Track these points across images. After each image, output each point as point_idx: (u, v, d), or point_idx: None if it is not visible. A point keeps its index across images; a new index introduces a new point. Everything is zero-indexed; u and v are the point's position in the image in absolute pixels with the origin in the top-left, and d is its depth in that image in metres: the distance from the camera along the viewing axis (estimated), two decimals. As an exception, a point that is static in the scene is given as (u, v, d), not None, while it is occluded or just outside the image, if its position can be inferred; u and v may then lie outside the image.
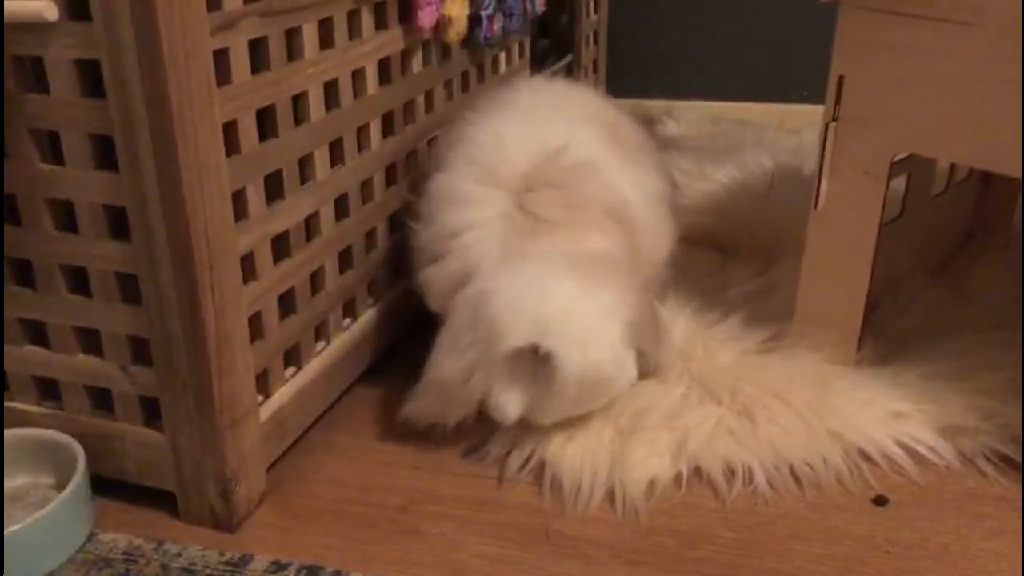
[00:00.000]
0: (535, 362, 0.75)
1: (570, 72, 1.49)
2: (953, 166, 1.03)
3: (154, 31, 0.59)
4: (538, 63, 1.47)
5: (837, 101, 0.81)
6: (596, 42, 1.57)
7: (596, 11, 1.54)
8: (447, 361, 0.78)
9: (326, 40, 0.78)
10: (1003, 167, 0.76)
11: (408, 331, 0.98)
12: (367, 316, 0.91)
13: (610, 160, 0.86)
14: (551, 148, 0.83)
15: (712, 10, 1.67)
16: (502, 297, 0.75)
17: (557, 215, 0.80)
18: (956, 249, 1.10)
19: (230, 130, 0.68)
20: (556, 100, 0.93)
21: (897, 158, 0.85)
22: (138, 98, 0.61)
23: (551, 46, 1.54)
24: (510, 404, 0.77)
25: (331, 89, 0.80)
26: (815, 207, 0.85)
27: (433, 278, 0.83)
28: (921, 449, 0.80)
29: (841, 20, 0.79)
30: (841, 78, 0.81)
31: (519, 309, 0.74)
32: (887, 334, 0.92)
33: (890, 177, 0.82)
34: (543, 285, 0.76)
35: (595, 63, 1.57)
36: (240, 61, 0.68)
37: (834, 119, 0.82)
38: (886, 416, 0.82)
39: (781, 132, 1.54)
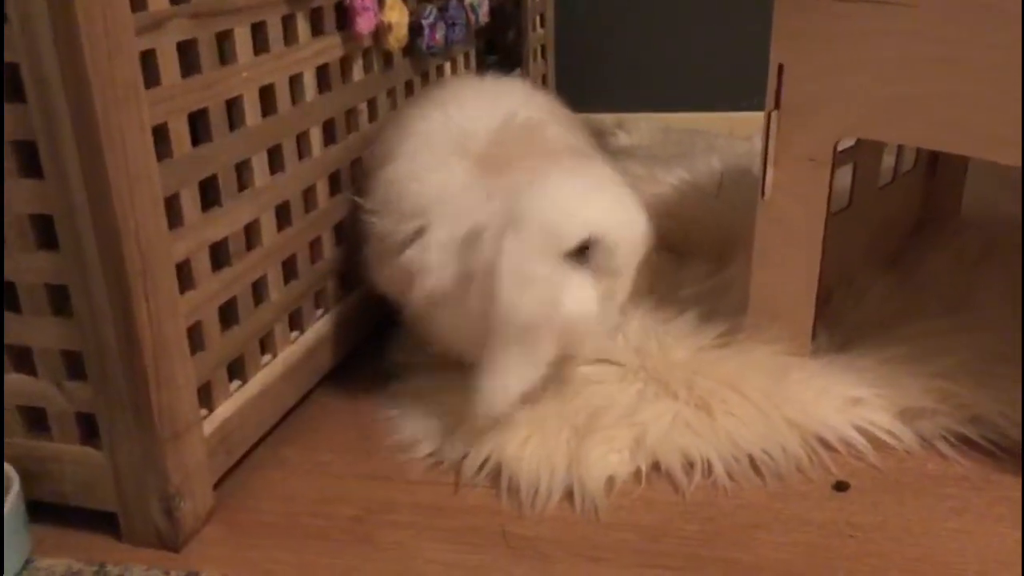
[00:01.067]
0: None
1: (519, 86, 1.49)
2: (899, 157, 1.04)
3: (74, 30, 0.57)
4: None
5: (778, 90, 0.81)
6: (544, 56, 1.57)
7: (543, 25, 1.55)
8: (524, 298, 0.73)
9: (260, 44, 0.77)
10: (943, 145, 0.77)
11: (361, 342, 0.97)
12: (316, 327, 0.89)
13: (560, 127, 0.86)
14: (504, 116, 0.83)
15: (660, 22, 1.68)
16: (541, 208, 0.74)
17: (528, 152, 0.80)
18: (907, 239, 1.10)
19: (161, 134, 0.66)
20: (495, 88, 0.93)
21: (842, 147, 0.86)
22: (60, 101, 0.59)
23: (499, 61, 1.54)
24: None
25: (267, 94, 0.79)
26: (762, 197, 0.85)
27: (415, 259, 0.80)
28: (880, 433, 0.79)
29: (777, 9, 0.79)
30: (781, 67, 0.80)
31: (563, 211, 0.75)
32: (842, 324, 0.92)
33: (835, 164, 0.82)
34: (567, 188, 0.76)
35: (544, 77, 1.57)
36: (169, 63, 0.66)
37: (776, 107, 0.82)
38: (843, 403, 0.81)
39: (732, 139, 1.55)
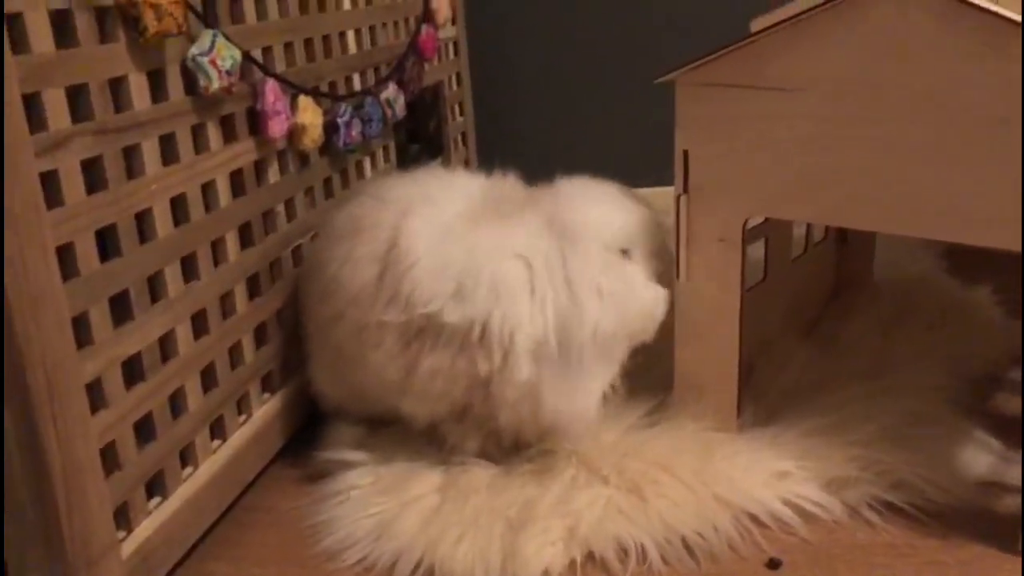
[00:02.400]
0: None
1: (442, 173, 1.51)
2: (809, 229, 1.07)
3: (-31, 157, 0.57)
4: (410, 167, 1.49)
5: (685, 174, 0.84)
6: (465, 143, 1.60)
7: (462, 114, 1.58)
8: (606, 308, 0.80)
9: (170, 155, 0.77)
10: (842, 221, 0.79)
11: (287, 443, 0.95)
12: (239, 434, 0.87)
13: None
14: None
15: (579, 104, 1.73)
16: (584, 221, 0.83)
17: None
18: (823, 307, 1.13)
19: (66, 253, 0.65)
20: (426, 175, 0.97)
21: (752, 224, 0.88)
22: (-43, 228, 0.58)
23: (422, 150, 1.56)
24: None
25: (179, 204, 0.78)
26: (678, 277, 0.87)
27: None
28: (807, 506, 0.80)
29: (678, 97, 0.82)
30: (685, 152, 0.83)
31: (601, 215, 0.85)
32: (765, 396, 0.93)
33: (746, 243, 0.84)
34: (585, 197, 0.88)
35: (467, 162, 1.60)
36: (72, 182, 0.65)
37: (684, 191, 0.84)
38: (770, 477, 0.82)
39: (656, 214, 1.58)
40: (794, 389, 0.94)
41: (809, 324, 1.09)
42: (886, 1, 0.70)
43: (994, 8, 0.66)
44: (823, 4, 0.72)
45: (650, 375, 0.97)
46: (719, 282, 0.85)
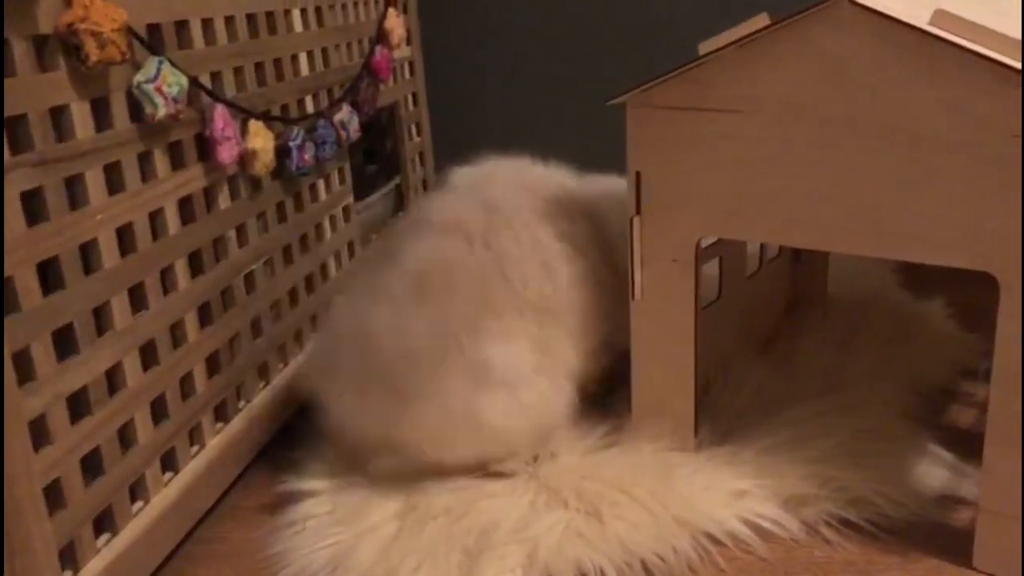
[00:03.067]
0: None
1: (400, 194, 1.51)
2: (763, 246, 1.08)
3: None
4: (367, 188, 1.48)
5: (637, 196, 0.84)
6: (423, 163, 1.59)
7: (419, 134, 1.57)
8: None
9: (115, 184, 0.76)
10: (793, 241, 0.80)
11: (243, 473, 0.93)
12: (192, 466, 0.85)
13: None
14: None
15: (536, 123, 1.73)
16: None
17: None
18: (778, 323, 1.14)
19: (6, 288, 0.64)
20: None
21: (707, 243, 0.89)
22: None
23: (378, 171, 1.55)
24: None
25: (125, 233, 0.77)
26: (633, 298, 0.87)
27: None
28: (765, 524, 0.80)
29: (629, 119, 0.82)
30: (638, 174, 0.83)
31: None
32: (723, 414, 0.93)
33: (699, 262, 0.84)
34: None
35: (424, 182, 1.59)
36: (13, 214, 0.64)
37: (637, 213, 0.84)
38: (728, 496, 0.82)
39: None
40: (750, 407, 0.95)
41: (764, 341, 1.09)
42: (828, 24, 0.71)
43: (935, 31, 0.67)
44: (768, 27, 0.73)
45: (610, 396, 0.98)
46: (674, 302, 0.85)
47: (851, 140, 0.72)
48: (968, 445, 0.88)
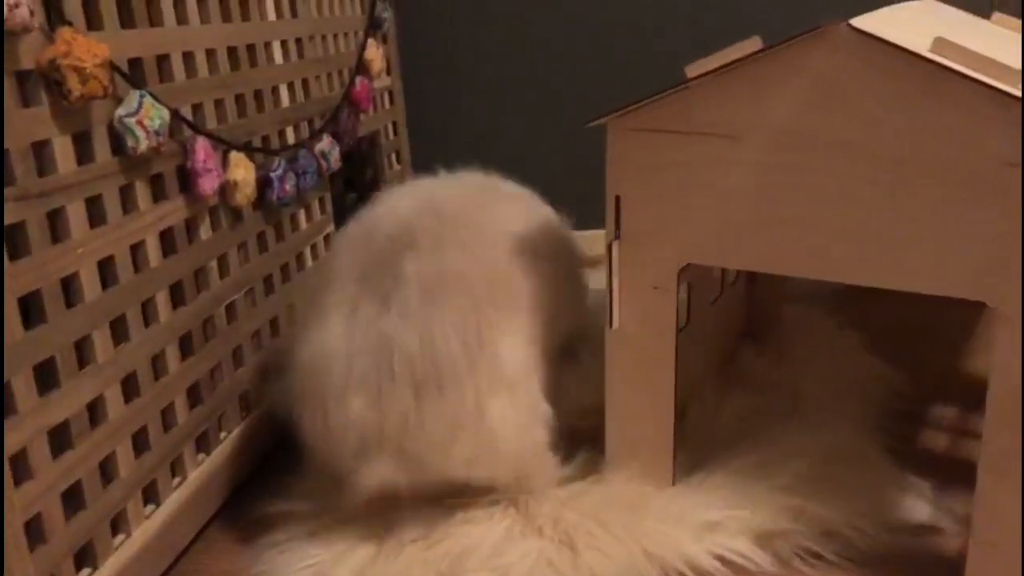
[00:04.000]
0: None
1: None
2: (724, 270, 1.07)
3: None
4: (348, 217, 1.49)
5: (617, 220, 0.83)
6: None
7: (399, 163, 1.58)
8: None
9: (97, 217, 0.76)
10: (779, 268, 0.78)
11: (225, 502, 0.93)
12: (173, 498, 0.85)
13: None
14: None
15: (517, 151, 1.74)
16: None
17: None
18: (737, 346, 1.14)
19: (-13, 322, 0.64)
20: None
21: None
22: None
23: (359, 198, 1.56)
24: None
25: (107, 266, 0.77)
26: (610, 326, 0.86)
27: None
28: (737, 559, 0.80)
29: (610, 142, 0.81)
30: (618, 198, 0.82)
31: None
32: (692, 439, 0.93)
33: (679, 290, 0.84)
34: None
35: (404, 210, 1.60)
36: (-6, 250, 0.64)
37: (617, 238, 0.83)
38: (699, 529, 0.82)
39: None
40: (721, 431, 0.95)
41: (724, 364, 1.09)
42: (823, 49, 0.70)
43: (935, 57, 0.67)
44: (759, 51, 0.72)
45: (590, 425, 0.97)
46: (653, 329, 0.84)
47: (845, 167, 0.72)
48: (941, 472, 0.90)
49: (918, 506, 0.85)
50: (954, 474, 0.90)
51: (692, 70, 0.75)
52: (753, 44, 0.72)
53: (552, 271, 0.94)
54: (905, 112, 0.69)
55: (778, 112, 0.73)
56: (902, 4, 0.90)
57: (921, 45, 0.69)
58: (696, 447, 0.92)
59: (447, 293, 0.85)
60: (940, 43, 0.68)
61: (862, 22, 0.70)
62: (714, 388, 1.02)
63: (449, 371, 0.82)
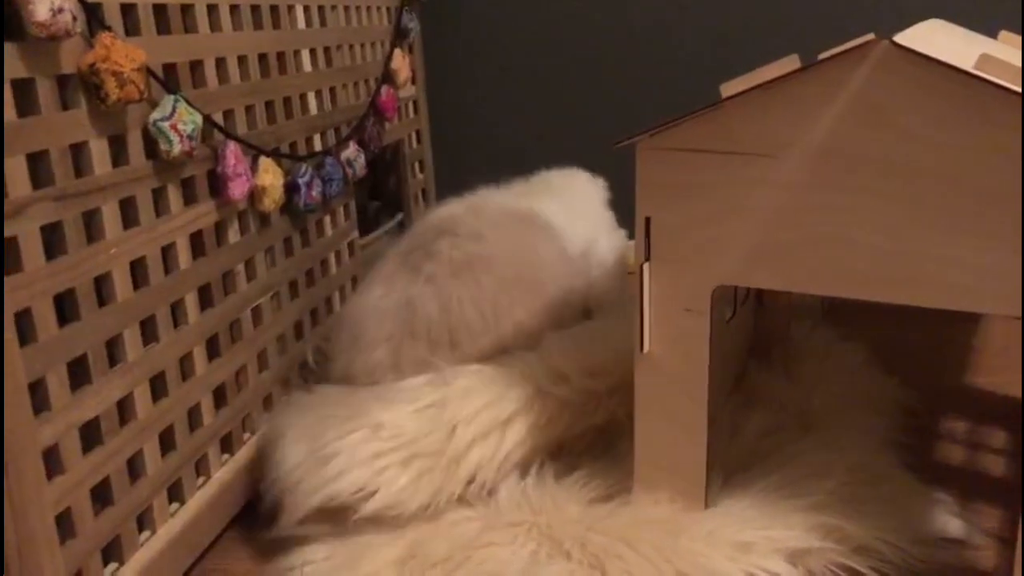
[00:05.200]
0: None
1: (403, 230, 1.53)
2: (736, 289, 1.04)
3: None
4: (371, 224, 1.50)
5: (647, 242, 0.81)
6: (426, 200, 1.62)
7: (422, 171, 1.60)
8: None
9: (130, 219, 0.77)
10: (820, 289, 0.76)
11: (247, 507, 0.94)
12: (197, 497, 0.86)
13: None
14: None
15: (539, 162, 1.75)
16: None
17: None
18: (746, 364, 1.12)
19: (24, 319, 0.65)
20: None
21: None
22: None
23: (382, 207, 1.58)
24: None
25: (138, 267, 0.78)
26: (641, 350, 0.83)
27: None
28: (772, 578, 0.79)
29: (640, 162, 0.79)
30: (648, 219, 0.80)
31: None
32: (718, 459, 0.92)
33: (713, 312, 0.81)
34: None
35: (426, 219, 1.61)
36: (32, 248, 0.66)
37: (647, 259, 0.81)
38: (733, 549, 0.80)
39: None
40: (742, 451, 0.94)
41: (737, 383, 1.08)
42: (864, 67, 0.69)
43: (981, 74, 0.66)
44: (798, 69, 0.71)
45: (614, 449, 0.96)
46: (685, 354, 0.82)
47: (886, 185, 0.71)
48: (963, 484, 0.90)
49: (948, 520, 0.85)
50: (974, 487, 0.90)
51: (728, 89, 0.74)
52: (791, 63, 0.72)
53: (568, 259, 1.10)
54: (949, 130, 0.68)
55: (818, 130, 0.72)
56: (925, 23, 0.90)
57: (965, 63, 0.68)
58: (721, 467, 0.90)
59: (473, 271, 0.99)
60: (985, 59, 0.68)
61: (904, 38, 0.69)
62: (731, 408, 1.01)
63: (463, 334, 0.97)
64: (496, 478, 0.90)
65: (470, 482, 0.88)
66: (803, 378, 1.07)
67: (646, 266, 0.81)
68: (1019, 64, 0.67)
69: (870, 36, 0.88)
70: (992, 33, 1.00)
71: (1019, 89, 0.65)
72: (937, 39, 0.80)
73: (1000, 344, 1.25)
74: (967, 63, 0.69)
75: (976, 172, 0.68)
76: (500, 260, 1.01)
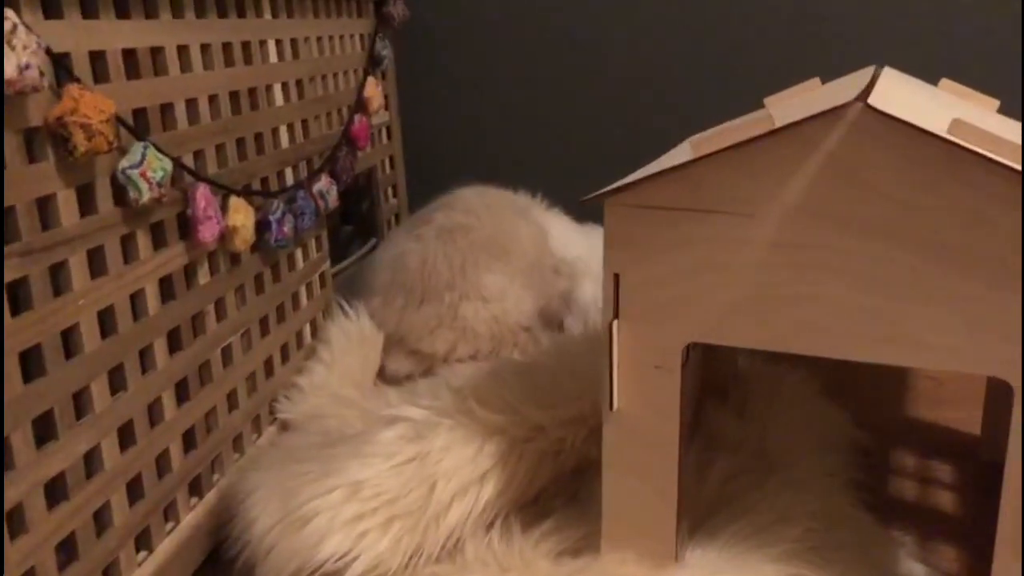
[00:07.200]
0: None
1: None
2: None
3: None
4: (343, 249, 1.50)
5: (616, 299, 0.79)
6: (399, 224, 1.61)
7: (395, 196, 1.60)
8: None
9: (98, 268, 0.77)
10: (790, 347, 0.76)
11: (217, 547, 0.93)
12: (165, 544, 0.85)
13: None
14: None
15: (511, 186, 1.76)
16: None
17: None
18: (698, 406, 1.10)
19: (-12, 378, 0.64)
20: None
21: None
22: None
23: (355, 232, 1.57)
24: None
25: (107, 316, 0.78)
26: (610, 408, 0.82)
27: None
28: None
29: (607, 218, 0.78)
30: (616, 276, 0.79)
31: None
32: (687, 511, 0.92)
33: (684, 369, 0.80)
34: None
35: (399, 243, 1.61)
36: (-3, 306, 0.65)
37: (616, 317, 0.80)
38: None
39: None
40: (705, 499, 0.93)
41: (694, 425, 1.06)
42: (839, 128, 0.70)
43: (952, 138, 0.67)
44: (773, 130, 0.71)
45: (584, 490, 0.95)
46: (656, 411, 0.81)
47: (862, 245, 0.71)
48: (921, 522, 0.92)
49: (910, 565, 0.86)
50: (930, 526, 0.92)
51: (698, 146, 0.73)
52: (763, 120, 0.71)
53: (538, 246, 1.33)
54: (923, 191, 0.69)
55: (792, 191, 0.72)
56: (884, 76, 0.90)
57: (937, 126, 0.69)
58: (687, 517, 0.89)
59: (454, 235, 1.25)
60: (958, 124, 0.69)
61: (878, 99, 0.70)
62: (695, 453, 1.00)
63: (433, 286, 1.22)
64: (467, 533, 0.89)
65: (447, 539, 0.87)
66: (756, 415, 1.06)
67: (615, 324, 0.79)
68: (987, 127, 0.68)
69: (815, 80, 0.88)
70: (933, 80, 1.01)
71: (987, 153, 0.67)
72: (902, 96, 0.80)
73: (944, 374, 1.27)
74: (935, 122, 0.70)
75: (950, 233, 0.69)
76: (478, 230, 1.26)
